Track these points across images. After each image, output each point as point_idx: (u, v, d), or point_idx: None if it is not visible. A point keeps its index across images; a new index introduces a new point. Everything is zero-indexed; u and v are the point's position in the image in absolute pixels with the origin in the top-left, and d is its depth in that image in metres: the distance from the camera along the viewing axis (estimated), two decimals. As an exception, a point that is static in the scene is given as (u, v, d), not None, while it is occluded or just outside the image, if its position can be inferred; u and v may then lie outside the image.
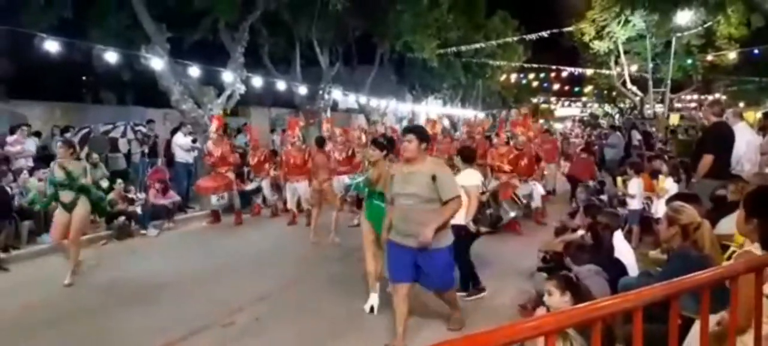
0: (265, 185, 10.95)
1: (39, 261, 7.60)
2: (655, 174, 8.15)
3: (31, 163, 10.26)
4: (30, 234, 8.15)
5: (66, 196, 6.43)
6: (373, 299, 5.32)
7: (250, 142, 11.39)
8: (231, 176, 10.11)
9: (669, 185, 7.48)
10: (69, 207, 6.43)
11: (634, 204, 7.68)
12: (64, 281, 6.30)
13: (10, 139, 10.54)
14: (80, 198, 6.46)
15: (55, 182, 6.47)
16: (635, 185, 7.69)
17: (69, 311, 5.55)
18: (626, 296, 1.68)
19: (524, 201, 8.60)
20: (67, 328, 5.14)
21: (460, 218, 4.93)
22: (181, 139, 11.46)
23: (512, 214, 8.05)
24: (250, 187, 11.04)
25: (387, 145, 5.82)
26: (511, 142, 9.81)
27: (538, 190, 9.54)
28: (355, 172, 9.49)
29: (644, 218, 7.76)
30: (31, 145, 10.87)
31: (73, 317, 5.41)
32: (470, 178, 5.52)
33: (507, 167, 8.97)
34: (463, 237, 5.16)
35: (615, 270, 4.61)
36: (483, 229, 5.59)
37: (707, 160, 6.62)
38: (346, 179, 9.43)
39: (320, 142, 9.40)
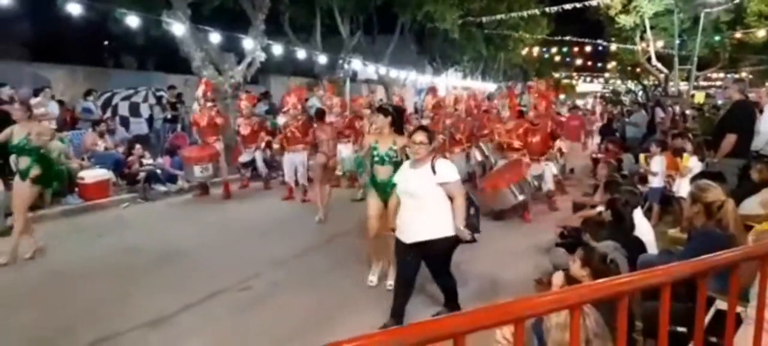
0: (259, 156, 10.22)
1: (63, 222, 7.76)
2: (677, 152, 8.01)
3: (54, 126, 10.40)
4: (54, 195, 8.30)
5: (23, 161, 5.84)
6: (374, 276, 5.32)
7: (243, 109, 10.16)
8: (219, 145, 9.41)
9: (693, 164, 7.35)
10: (23, 174, 5.84)
11: (656, 182, 7.58)
12: (1, 260, 5.80)
13: (33, 101, 10.68)
14: (33, 166, 5.80)
15: (15, 147, 5.86)
16: (658, 163, 7.58)
17: (87, 273, 5.68)
18: (654, 272, 1.66)
19: (536, 183, 8.07)
20: (86, 289, 5.26)
21: (448, 227, 4.08)
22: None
23: (520, 197, 7.58)
24: (242, 159, 10.32)
25: (394, 113, 5.46)
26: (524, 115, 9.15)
27: (551, 170, 8.63)
28: (357, 139, 9.08)
29: (665, 197, 7.66)
30: (54, 107, 11.01)
31: (91, 279, 5.54)
32: (450, 171, 4.22)
33: (517, 144, 8.29)
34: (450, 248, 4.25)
35: (634, 248, 4.56)
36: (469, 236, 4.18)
37: (730, 139, 6.53)
38: (347, 151, 9.17)
39: (320, 113, 8.86)
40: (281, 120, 9.58)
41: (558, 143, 9.03)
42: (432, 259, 4.26)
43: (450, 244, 4.15)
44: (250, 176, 10.52)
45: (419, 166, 4.13)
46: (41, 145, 5.86)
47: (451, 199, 4.08)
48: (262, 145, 10.27)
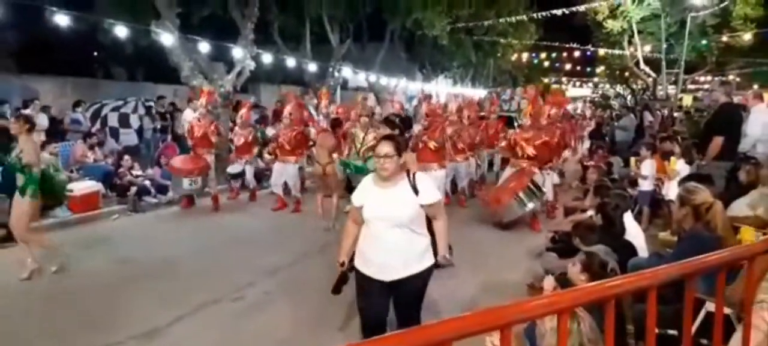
0: (249, 169, 9.93)
1: (53, 235, 7.66)
2: (666, 155, 8.09)
3: (43, 138, 10.33)
4: (44, 208, 8.22)
5: (19, 178, 5.63)
6: None
7: (242, 117, 9.96)
8: (209, 158, 9.18)
9: (681, 167, 7.42)
10: (21, 191, 5.64)
11: (646, 185, 7.63)
12: (21, 275, 5.68)
13: (23, 113, 10.62)
14: (30, 184, 5.61)
15: (11, 164, 5.70)
16: (648, 166, 7.63)
17: (79, 286, 5.62)
18: (642, 275, 1.68)
19: (544, 190, 7.91)
20: (79, 302, 5.21)
21: (431, 255, 3.48)
22: (190, 115, 11.45)
23: (530, 206, 7.52)
24: (232, 170, 10.14)
25: (401, 124, 5.38)
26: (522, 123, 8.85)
27: (552, 180, 8.50)
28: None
29: (655, 200, 7.71)
30: (44, 119, 10.94)
31: (83, 291, 5.47)
32: (433, 189, 3.54)
33: (531, 152, 7.87)
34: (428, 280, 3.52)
35: (625, 251, 4.58)
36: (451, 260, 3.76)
37: (717, 141, 6.60)
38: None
39: (336, 123, 8.62)
40: (270, 131, 9.39)
41: (566, 153, 8.87)
42: (411, 296, 3.45)
43: (430, 274, 3.46)
44: (240, 186, 10.33)
45: (391, 186, 3.35)
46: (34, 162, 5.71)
47: (429, 219, 3.47)
48: (255, 155, 10.14)
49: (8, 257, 6.30)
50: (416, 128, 9.24)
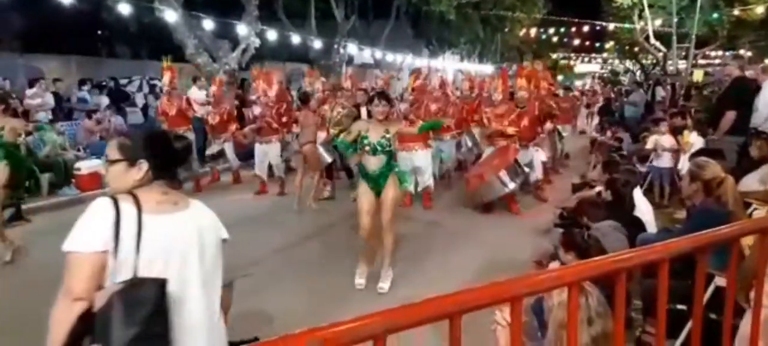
0: (228, 147, 9.41)
1: (59, 213, 7.73)
2: (678, 130, 7.97)
3: (50, 116, 10.38)
4: (51, 186, 8.28)
5: None
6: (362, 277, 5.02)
7: (214, 95, 9.40)
8: (190, 136, 8.47)
9: (694, 139, 7.31)
10: None
11: (666, 161, 7.51)
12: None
13: (29, 92, 10.65)
14: (1, 163, 5.42)
15: None
16: (668, 141, 7.52)
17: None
18: (653, 248, 1.64)
19: (526, 170, 7.59)
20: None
21: None
22: (195, 93, 11.37)
23: (511, 186, 7.10)
24: (210, 151, 9.61)
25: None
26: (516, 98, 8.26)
27: (540, 157, 8.09)
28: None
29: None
30: (50, 98, 10.96)
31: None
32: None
33: (511, 130, 7.52)
34: None
35: (634, 227, 4.54)
36: None
37: (730, 116, 6.52)
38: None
39: (304, 97, 8.34)
40: (257, 109, 8.98)
41: (549, 126, 8.58)
42: None
43: None
44: (221, 169, 9.90)
45: None
46: (13, 141, 5.65)
47: None
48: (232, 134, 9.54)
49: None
50: (402, 106, 8.80)
